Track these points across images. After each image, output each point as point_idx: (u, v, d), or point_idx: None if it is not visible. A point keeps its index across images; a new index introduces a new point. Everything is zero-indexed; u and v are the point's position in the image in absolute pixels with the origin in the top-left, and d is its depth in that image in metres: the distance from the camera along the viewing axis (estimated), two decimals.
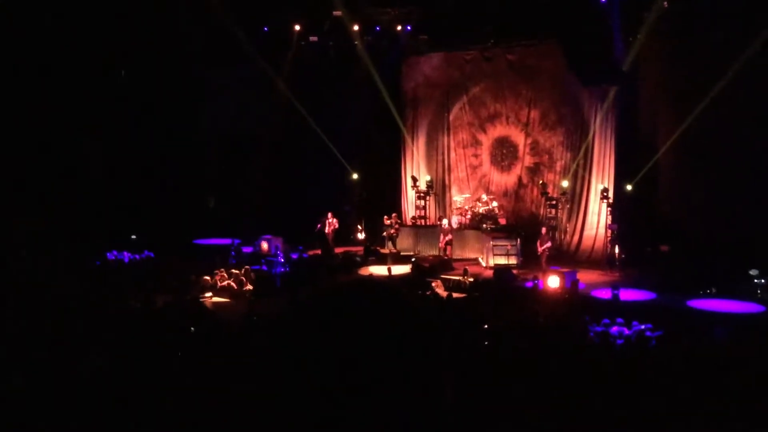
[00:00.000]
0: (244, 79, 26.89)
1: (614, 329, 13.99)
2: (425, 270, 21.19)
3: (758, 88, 20.02)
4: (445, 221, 24.42)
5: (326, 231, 24.64)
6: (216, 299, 19.19)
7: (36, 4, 22.39)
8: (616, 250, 22.02)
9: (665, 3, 20.87)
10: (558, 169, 24.93)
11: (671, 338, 13.73)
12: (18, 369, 9.89)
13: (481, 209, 24.68)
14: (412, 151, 27.52)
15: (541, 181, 24.81)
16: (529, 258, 22.53)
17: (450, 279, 20.07)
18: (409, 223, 26.43)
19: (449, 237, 23.59)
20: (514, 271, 21.09)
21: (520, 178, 25.65)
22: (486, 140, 26.27)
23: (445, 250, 23.52)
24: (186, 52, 25.74)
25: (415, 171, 27.15)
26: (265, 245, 24.07)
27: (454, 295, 18.25)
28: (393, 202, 27.39)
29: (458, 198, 26.01)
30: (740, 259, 19.20)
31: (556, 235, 23.83)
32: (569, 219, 24.51)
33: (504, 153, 25.96)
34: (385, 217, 24.71)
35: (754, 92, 20.14)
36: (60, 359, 10.64)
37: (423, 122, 27.38)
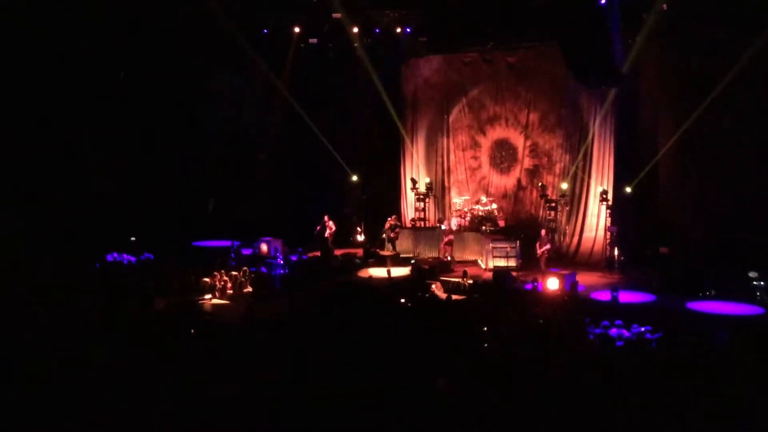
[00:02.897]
0: (243, 81, 26.88)
1: (614, 331, 14.00)
2: (425, 272, 21.20)
3: (758, 89, 20.04)
4: (445, 224, 24.42)
5: (325, 234, 24.62)
6: (215, 301, 19.20)
7: (35, 5, 22.35)
8: (616, 252, 22.04)
9: (664, 5, 20.86)
10: (557, 171, 24.94)
11: (671, 340, 13.73)
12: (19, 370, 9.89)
13: (481, 211, 24.69)
14: (412, 153, 27.51)
15: (540, 183, 24.81)
16: (528, 260, 22.54)
17: (449, 281, 20.09)
18: (408, 225, 26.41)
19: (450, 237, 23.60)
20: (514, 273, 21.08)
21: (519, 180, 25.66)
22: (485, 142, 26.28)
23: (445, 251, 23.52)
24: (186, 54, 25.69)
25: (415, 173, 27.15)
26: (264, 247, 24.05)
27: (454, 297, 18.26)
28: (393, 204, 27.39)
29: (458, 200, 26.00)
30: (739, 261, 19.20)
31: (556, 237, 23.84)
32: (568, 221, 24.52)
33: (503, 155, 25.97)
34: (389, 219, 24.72)
35: (754, 94, 20.15)
36: (59, 361, 10.63)
37: (422, 124, 27.38)
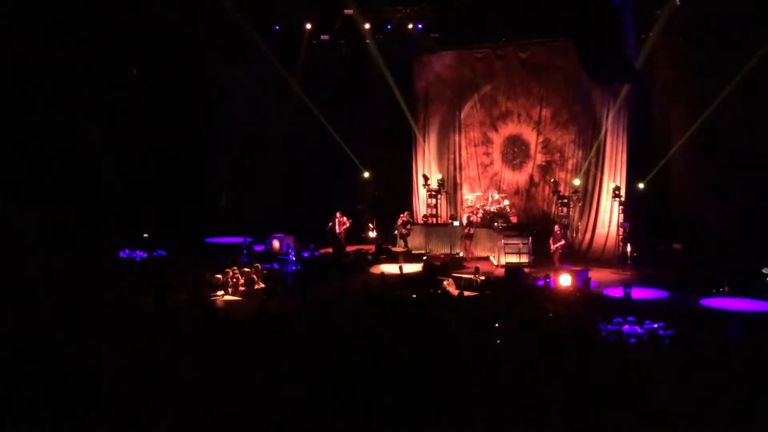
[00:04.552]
0: (256, 78, 26.91)
1: (626, 328, 13.94)
2: (437, 268, 21.15)
3: None
4: (465, 218, 24.42)
5: (337, 230, 24.63)
6: (227, 298, 19.20)
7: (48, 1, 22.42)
8: (628, 248, 21.94)
9: (678, 1, 20.76)
10: (570, 167, 24.86)
11: (684, 337, 13.67)
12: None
13: (493, 208, 24.66)
14: (424, 150, 27.50)
15: (552, 180, 24.76)
16: (540, 256, 22.48)
17: (461, 277, 20.04)
18: (420, 221, 26.40)
19: (470, 230, 23.55)
20: (526, 270, 21.05)
21: (531, 177, 25.59)
22: (497, 138, 26.22)
23: (465, 244, 23.49)
24: (198, 51, 25.74)
25: (427, 169, 27.14)
26: (276, 244, 24.10)
27: (466, 293, 18.22)
28: (404, 200, 27.39)
29: (469, 196, 25.98)
30: (753, 258, 19.10)
31: (568, 233, 23.77)
32: (581, 217, 24.43)
33: (515, 151, 25.91)
34: (401, 215, 24.73)
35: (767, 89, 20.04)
36: (72, 358, 10.66)
37: (434, 121, 27.36)
